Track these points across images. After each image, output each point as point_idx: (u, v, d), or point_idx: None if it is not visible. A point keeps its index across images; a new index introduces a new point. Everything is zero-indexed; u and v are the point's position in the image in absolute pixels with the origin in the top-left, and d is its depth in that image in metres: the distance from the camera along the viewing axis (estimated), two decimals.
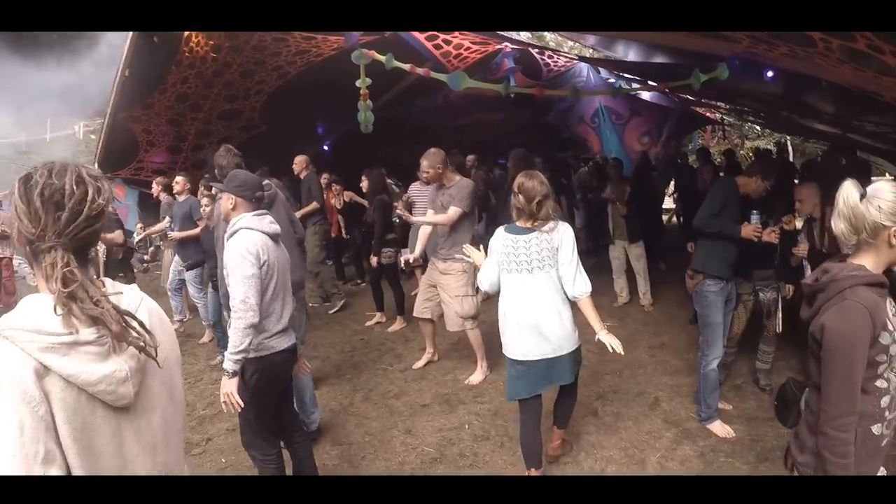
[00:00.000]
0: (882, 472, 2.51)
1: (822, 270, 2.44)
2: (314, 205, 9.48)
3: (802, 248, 5.21)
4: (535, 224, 4.19)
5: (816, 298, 2.42)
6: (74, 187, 1.63)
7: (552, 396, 4.75)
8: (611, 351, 4.13)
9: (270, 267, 3.86)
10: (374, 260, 8.64)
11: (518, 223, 4.26)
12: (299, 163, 9.60)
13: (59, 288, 1.55)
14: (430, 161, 6.29)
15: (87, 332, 1.57)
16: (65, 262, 1.59)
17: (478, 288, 5.48)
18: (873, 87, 4.60)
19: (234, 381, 3.67)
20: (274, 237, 3.99)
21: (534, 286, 4.19)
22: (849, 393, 2.27)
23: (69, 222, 1.62)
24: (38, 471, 1.46)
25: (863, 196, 2.30)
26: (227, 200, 4.05)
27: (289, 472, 4.32)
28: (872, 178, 7.36)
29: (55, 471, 1.49)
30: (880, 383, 2.33)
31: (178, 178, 8.47)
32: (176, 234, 8.28)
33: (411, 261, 6.87)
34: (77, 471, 1.55)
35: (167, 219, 9.14)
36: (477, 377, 6.47)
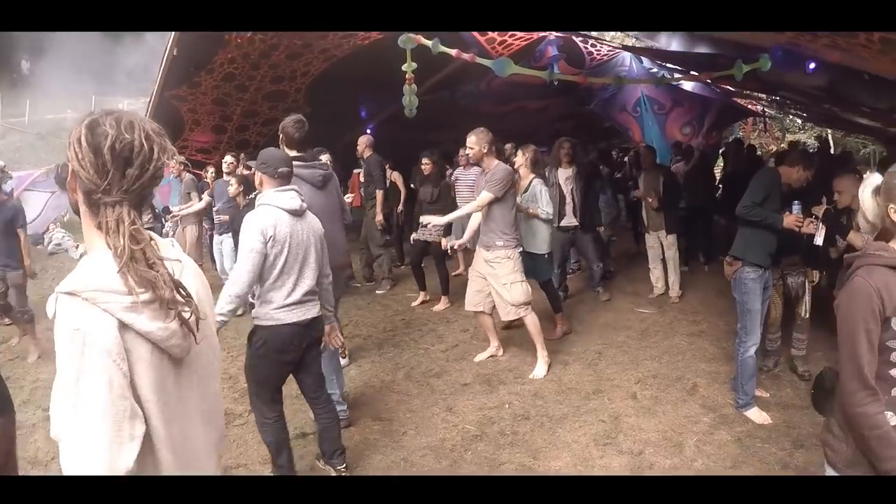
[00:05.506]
0: None
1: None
2: (380, 195, 9.24)
3: (854, 237, 5.12)
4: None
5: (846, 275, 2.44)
6: (143, 143, 1.62)
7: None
8: None
9: (279, 242, 3.94)
10: (413, 236, 8.72)
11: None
12: (362, 143, 9.41)
13: (128, 245, 1.56)
14: (477, 138, 6.09)
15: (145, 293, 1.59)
16: (131, 220, 1.60)
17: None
18: None
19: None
20: (293, 213, 4.05)
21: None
22: (855, 371, 2.27)
23: (136, 179, 1.61)
24: (127, 427, 1.51)
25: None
26: (257, 177, 4.19)
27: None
28: None
29: (139, 426, 1.55)
30: (894, 371, 2.29)
31: (228, 159, 8.64)
32: (225, 217, 8.44)
33: (456, 247, 6.73)
34: (156, 421, 1.61)
35: (206, 197, 9.33)
36: (541, 370, 6.26)
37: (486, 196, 6.00)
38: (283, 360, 4.16)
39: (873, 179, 2.39)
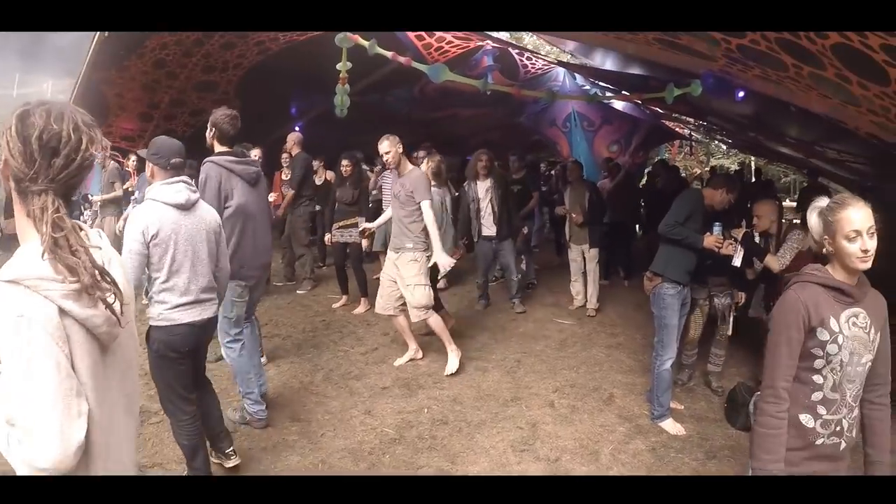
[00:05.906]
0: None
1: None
2: (290, 194, 9.39)
3: (770, 260, 5.31)
4: None
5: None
6: (72, 134, 1.69)
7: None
8: None
9: (163, 241, 3.81)
10: (328, 238, 8.79)
11: None
12: (290, 140, 9.56)
13: (49, 233, 1.62)
14: (389, 142, 6.20)
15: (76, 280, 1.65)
16: (55, 208, 1.66)
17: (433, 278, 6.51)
18: (838, 116, 4.77)
19: None
20: (180, 207, 3.89)
21: None
22: (771, 369, 2.58)
23: (62, 169, 1.68)
24: (75, 404, 1.62)
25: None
26: (147, 167, 4.00)
27: None
28: None
29: (84, 403, 1.65)
30: (816, 378, 2.56)
31: None
32: None
33: (365, 232, 7.05)
34: (92, 404, 1.69)
35: (136, 195, 9.06)
36: (453, 363, 6.38)
37: (427, 205, 6.09)
38: (185, 360, 3.99)
39: (819, 202, 2.66)
